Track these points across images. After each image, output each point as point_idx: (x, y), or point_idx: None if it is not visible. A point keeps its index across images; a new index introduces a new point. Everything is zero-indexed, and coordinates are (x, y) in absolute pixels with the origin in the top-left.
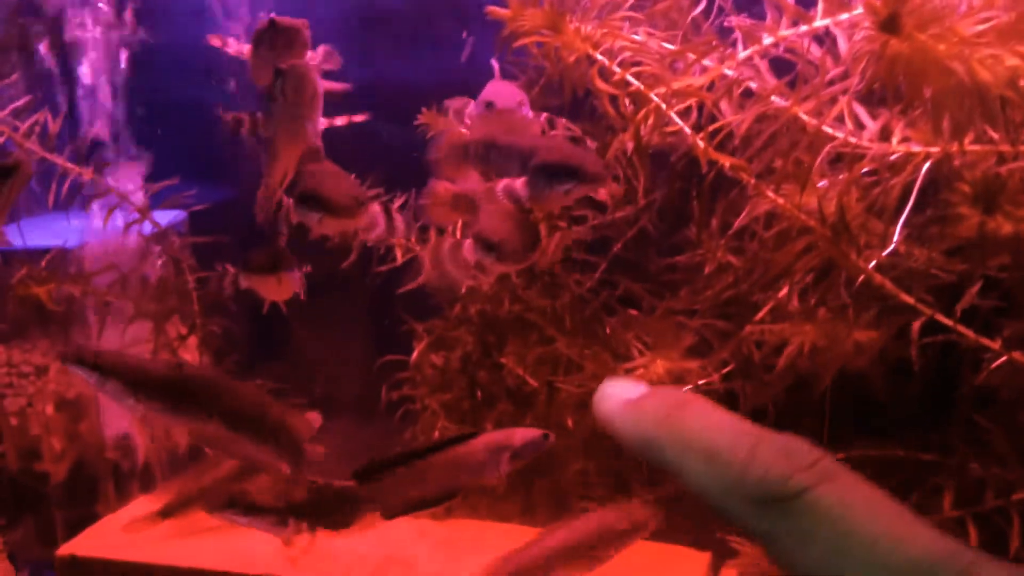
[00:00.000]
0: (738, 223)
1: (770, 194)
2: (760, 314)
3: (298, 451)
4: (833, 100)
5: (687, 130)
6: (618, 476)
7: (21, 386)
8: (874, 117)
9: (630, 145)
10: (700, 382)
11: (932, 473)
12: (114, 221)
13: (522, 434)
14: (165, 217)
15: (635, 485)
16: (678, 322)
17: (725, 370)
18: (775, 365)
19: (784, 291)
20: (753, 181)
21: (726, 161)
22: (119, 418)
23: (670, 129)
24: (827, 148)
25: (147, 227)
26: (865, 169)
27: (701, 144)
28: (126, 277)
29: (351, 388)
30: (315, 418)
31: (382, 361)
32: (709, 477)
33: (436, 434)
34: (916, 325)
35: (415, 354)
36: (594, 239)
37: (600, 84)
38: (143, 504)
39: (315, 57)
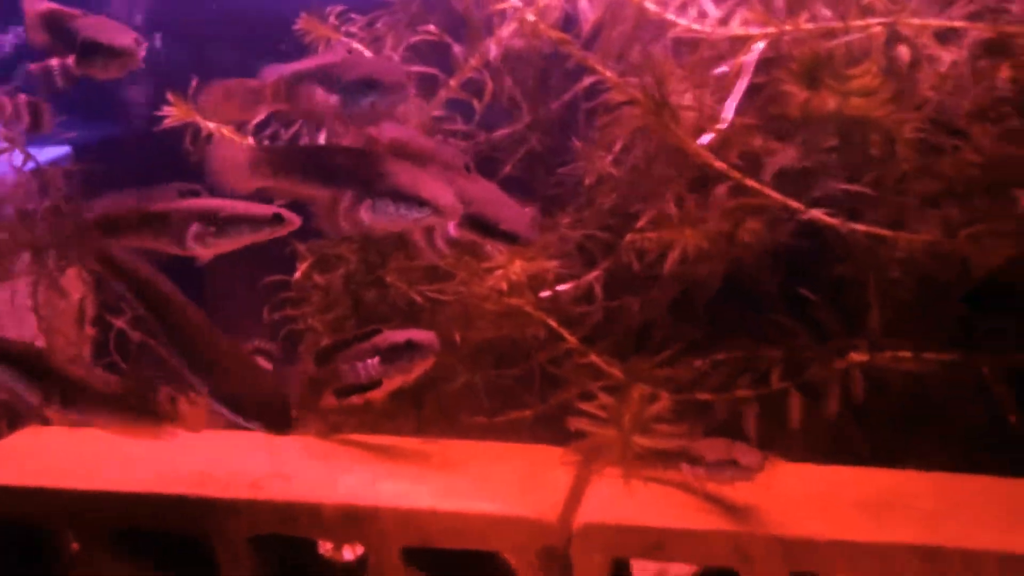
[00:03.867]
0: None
1: (598, 67)
2: (641, 222)
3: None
4: None
5: (518, 3)
6: (503, 389)
7: None
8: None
9: (494, 50)
10: (567, 285)
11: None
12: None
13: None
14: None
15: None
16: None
17: (593, 274)
18: (657, 273)
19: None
20: (579, 54)
21: (555, 35)
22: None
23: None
24: (671, 34)
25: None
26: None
27: (532, 18)
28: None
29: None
30: None
31: (265, 283)
32: None
33: None
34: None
35: (298, 273)
36: (484, 158)
37: None
38: (29, 435)
39: None
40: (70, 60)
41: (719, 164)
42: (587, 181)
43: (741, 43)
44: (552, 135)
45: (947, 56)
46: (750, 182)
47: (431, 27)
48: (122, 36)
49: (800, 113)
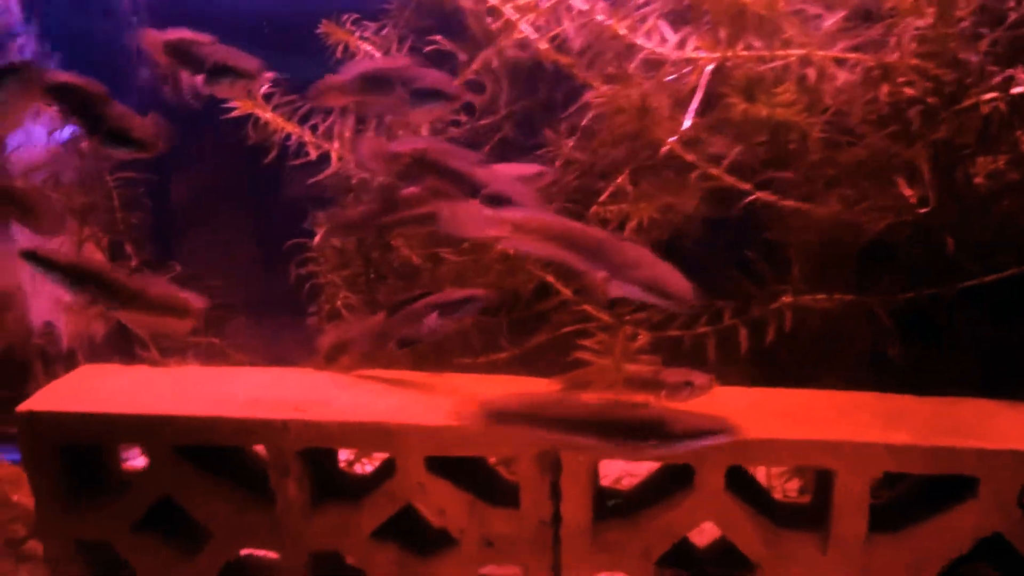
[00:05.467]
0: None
1: (594, 83)
2: (603, 197)
3: None
4: (643, 19)
5: (533, 35)
6: (489, 333)
7: None
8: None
9: (494, 60)
10: None
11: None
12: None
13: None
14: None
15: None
16: None
17: None
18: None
19: (621, 179)
20: (582, 74)
21: (565, 60)
22: (44, 309)
23: (519, 36)
24: (640, 55)
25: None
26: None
27: (545, 46)
28: (57, 175)
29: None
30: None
31: (290, 244)
32: None
33: (339, 303)
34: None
35: (318, 237)
36: (467, 143)
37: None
38: (88, 372)
39: None
40: (197, 79)
41: (689, 157)
42: (556, 164)
43: (695, 64)
44: (531, 124)
45: (843, 76)
46: (712, 170)
47: (438, 37)
48: (248, 61)
49: (741, 118)
